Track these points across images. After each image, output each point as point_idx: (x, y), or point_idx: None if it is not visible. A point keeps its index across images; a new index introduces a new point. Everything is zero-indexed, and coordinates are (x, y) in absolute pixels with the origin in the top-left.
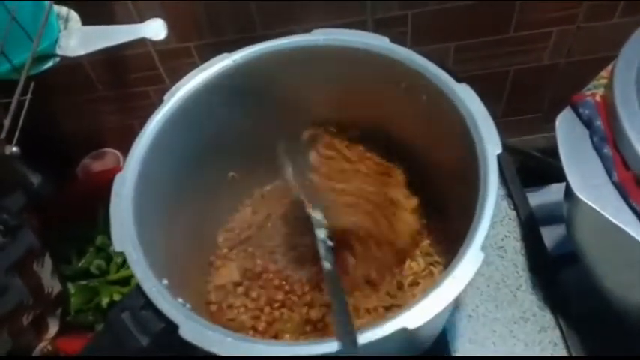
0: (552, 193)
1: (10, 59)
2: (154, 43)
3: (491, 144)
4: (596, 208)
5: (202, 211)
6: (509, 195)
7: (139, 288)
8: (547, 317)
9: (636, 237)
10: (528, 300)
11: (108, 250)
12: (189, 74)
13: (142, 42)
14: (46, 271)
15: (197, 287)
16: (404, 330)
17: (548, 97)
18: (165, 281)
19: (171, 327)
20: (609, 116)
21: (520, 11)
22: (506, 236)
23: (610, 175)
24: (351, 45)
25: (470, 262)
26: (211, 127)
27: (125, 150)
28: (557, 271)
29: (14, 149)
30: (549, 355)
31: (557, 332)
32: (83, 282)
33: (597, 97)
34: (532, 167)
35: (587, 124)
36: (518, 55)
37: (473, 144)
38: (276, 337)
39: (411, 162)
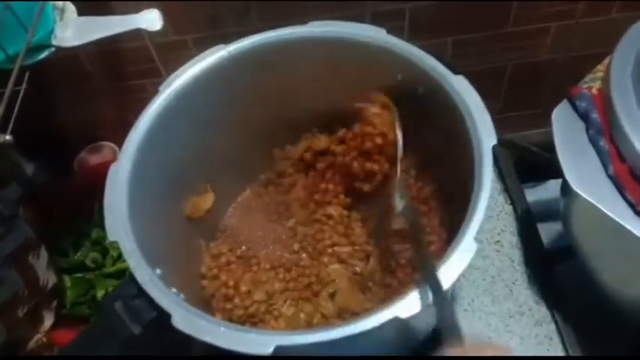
0: (550, 189)
1: (4, 49)
2: (151, 36)
3: (486, 135)
4: (592, 201)
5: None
6: (506, 189)
7: (132, 277)
8: (543, 311)
9: (631, 229)
10: (524, 294)
11: (104, 243)
12: (186, 65)
13: (139, 35)
14: (41, 263)
15: (191, 277)
16: (396, 319)
17: (547, 93)
18: (158, 271)
19: (164, 316)
20: (605, 109)
21: (518, 6)
22: (502, 230)
23: (606, 168)
24: (347, 36)
25: (463, 252)
26: (207, 117)
27: (122, 143)
28: (553, 265)
29: (7, 137)
30: (545, 349)
31: (553, 326)
32: (79, 275)
33: (594, 90)
34: (530, 162)
35: (584, 116)
36: (516, 50)
37: (468, 135)
38: None
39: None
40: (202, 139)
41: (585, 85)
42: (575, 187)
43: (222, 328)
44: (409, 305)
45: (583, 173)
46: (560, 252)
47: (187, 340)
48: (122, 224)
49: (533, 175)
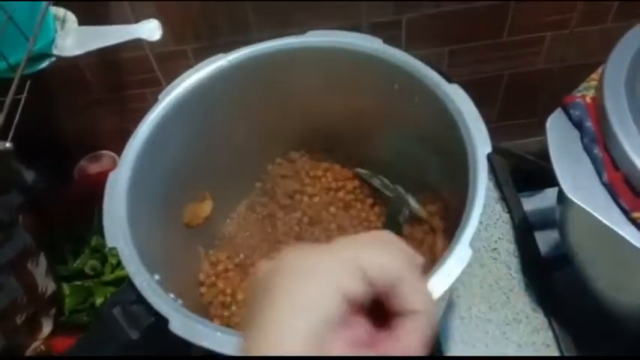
0: (546, 198)
1: (6, 58)
2: (151, 46)
3: (481, 143)
4: (587, 209)
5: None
6: (503, 198)
7: (130, 283)
8: (540, 319)
9: (625, 236)
10: (521, 302)
11: (103, 250)
12: (185, 74)
13: (139, 44)
14: (40, 270)
15: (190, 284)
16: None
17: (543, 101)
18: (157, 277)
19: (162, 321)
20: (599, 117)
21: (513, 16)
22: (499, 238)
23: (600, 176)
24: (345, 46)
25: (458, 258)
26: (206, 126)
27: (121, 152)
28: (550, 273)
29: (7, 145)
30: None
31: (550, 334)
32: (78, 282)
33: (587, 99)
34: (527, 171)
35: (578, 125)
36: (512, 59)
37: (463, 144)
38: None
39: (405, 163)
40: (201, 147)
41: (579, 94)
42: (570, 194)
43: (219, 333)
44: None
45: (578, 181)
46: (557, 260)
47: (185, 345)
48: (121, 230)
49: (530, 184)
